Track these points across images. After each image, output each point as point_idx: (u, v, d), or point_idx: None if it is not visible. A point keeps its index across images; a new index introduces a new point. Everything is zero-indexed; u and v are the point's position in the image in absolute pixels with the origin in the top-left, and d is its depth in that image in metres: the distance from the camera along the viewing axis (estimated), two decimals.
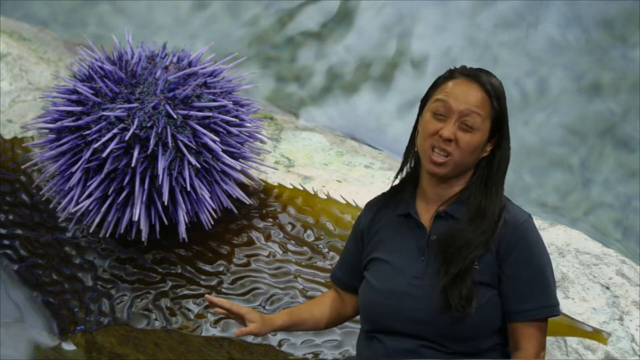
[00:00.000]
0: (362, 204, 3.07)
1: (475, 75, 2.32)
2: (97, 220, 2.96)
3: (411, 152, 2.39)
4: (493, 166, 2.33)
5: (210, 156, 2.93)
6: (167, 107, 2.86)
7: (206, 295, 2.39)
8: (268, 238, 3.05)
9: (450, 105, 2.29)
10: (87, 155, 2.88)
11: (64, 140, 2.92)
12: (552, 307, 2.30)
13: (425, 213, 2.35)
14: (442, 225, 2.32)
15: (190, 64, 3.00)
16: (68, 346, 3.03)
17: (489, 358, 2.30)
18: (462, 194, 2.33)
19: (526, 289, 2.28)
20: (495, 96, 2.30)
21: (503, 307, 2.30)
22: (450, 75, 2.34)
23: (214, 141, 2.89)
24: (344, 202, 3.09)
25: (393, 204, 2.40)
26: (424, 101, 2.35)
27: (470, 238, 2.28)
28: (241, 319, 2.41)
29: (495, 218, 2.29)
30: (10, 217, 3.22)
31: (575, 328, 2.74)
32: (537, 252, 2.30)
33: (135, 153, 2.84)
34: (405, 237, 2.35)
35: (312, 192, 3.12)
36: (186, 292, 3.00)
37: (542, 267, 2.30)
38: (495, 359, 2.30)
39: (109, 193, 2.90)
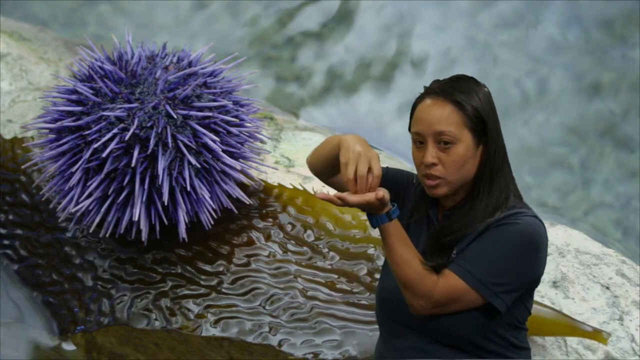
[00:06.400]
0: None
1: (441, 91, 2.29)
2: (97, 220, 2.96)
3: None
4: (492, 161, 2.30)
5: (210, 156, 2.93)
6: (167, 107, 2.86)
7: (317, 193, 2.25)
8: (268, 238, 3.05)
9: (422, 133, 2.28)
10: (87, 155, 2.88)
11: (64, 140, 2.92)
12: (478, 281, 2.22)
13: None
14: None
15: (190, 64, 3.00)
16: (68, 346, 3.03)
17: (488, 359, 2.29)
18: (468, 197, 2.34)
19: (470, 253, 2.24)
20: (465, 101, 2.26)
21: None
22: (421, 97, 2.33)
23: (214, 141, 2.89)
24: None
25: (424, 200, 2.40)
26: (410, 127, 2.35)
27: (465, 221, 2.28)
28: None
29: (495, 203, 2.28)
30: (10, 217, 3.22)
31: (575, 328, 2.74)
32: (504, 239, 2.23)
33: (135, 153, 2.84)
34: (417, 235, 2.37)
35: (312, 192, 3.12)
36: (186, 292, 3.00)
37: (497, 250, 2.23)
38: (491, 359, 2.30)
39: (109, 193, 2.90)
